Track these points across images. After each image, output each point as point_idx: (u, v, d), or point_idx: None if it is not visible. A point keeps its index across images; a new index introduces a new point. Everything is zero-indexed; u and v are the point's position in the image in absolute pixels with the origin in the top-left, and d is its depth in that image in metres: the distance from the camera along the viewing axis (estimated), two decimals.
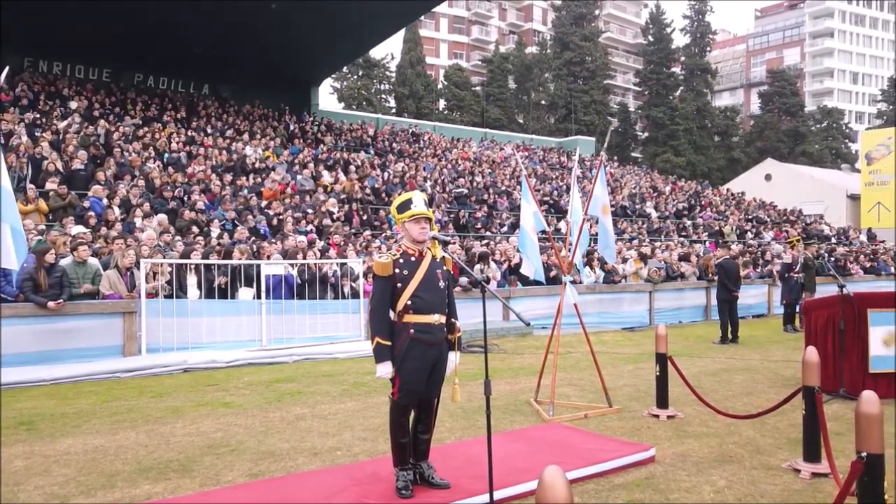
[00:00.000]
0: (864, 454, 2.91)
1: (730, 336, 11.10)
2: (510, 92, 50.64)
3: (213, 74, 22.47)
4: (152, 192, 13.00)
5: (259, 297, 9.32)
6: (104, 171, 12.86)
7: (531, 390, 6.60)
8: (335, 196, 15.71)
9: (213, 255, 9.60)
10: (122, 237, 9.52)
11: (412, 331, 3.80)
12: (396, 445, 3.88)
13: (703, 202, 27.06)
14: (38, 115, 15.62)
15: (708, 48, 55.65)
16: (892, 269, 19.62)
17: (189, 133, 17.79)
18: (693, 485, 4.14)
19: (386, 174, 19.18)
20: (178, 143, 16.48)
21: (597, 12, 55.01)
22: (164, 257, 9.29)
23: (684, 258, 15.88)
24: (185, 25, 18.10)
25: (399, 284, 3.83)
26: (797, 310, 12.23)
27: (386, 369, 3.77)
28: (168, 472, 4.36)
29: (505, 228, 17.49)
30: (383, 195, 17.18)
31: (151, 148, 15.55)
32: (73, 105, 16.90)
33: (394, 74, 46.78)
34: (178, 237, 10.81)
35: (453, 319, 3.98)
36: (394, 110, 45.05)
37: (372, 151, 22.16)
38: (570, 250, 6.79)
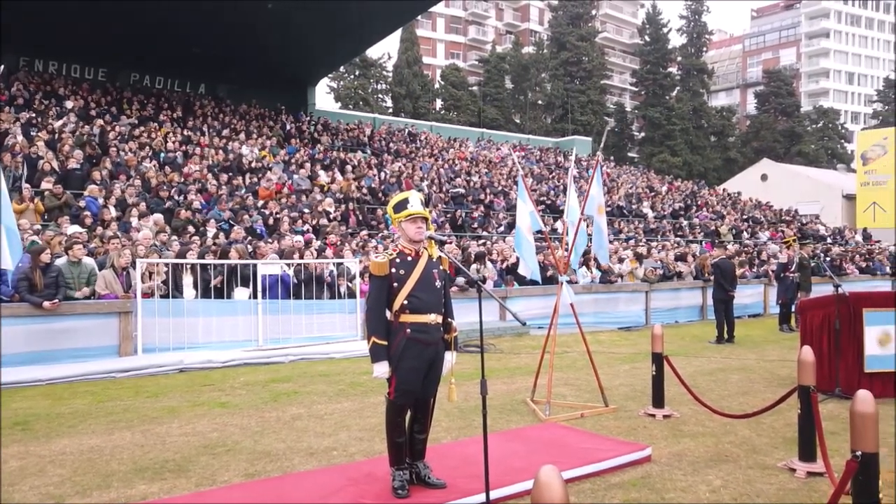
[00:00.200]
0: (858, 453, 2.93)
1: (726, 336, 11.12)
2: (507, 92, 50.63)
3: (209, 74, 22.42)
4: (148, 191, 12.98)
5: (255, 296, 9.30)
6: (100, 171, 12.84)
7: (527, 390, 6.61)
8: (332, 196, 15.69)
9: (210, 255, 9.60)
10: (118, 237, 9.50)
11: (409, 330, 3.80)
12: (393, 445, 3.88)
13: (699, 202, 27.11)
14: (33, 115, 15.59)
15: (704, 48, 55.70)
16: (888, 269, 19.67)
17: (185, 132, 17.75)
18: (689, 484, 4.16)
19: (382, 174, 19.19)
20: (174, 142, 16.45)
21: (593, 12, 55.03)
22: (161, 257, 9.26)
23: (680, 258, 15.92)
24: (181, 25, 18.05)
25: (395, 284, 3.83)
26: (793, 309, 12.27)
27: (382, 369, 3.77)
28: (164, 473, 4.35)
29: (501, 228, 17.49)
30: (380, 195, 17.16)
31: (147, 147, 15.51)
32: (69, 104, 16.84)
33: (390, 74, 46.70)
34: (174, 237, 10.79)
35: (450, 319, 3.98)
36: (390, 110, 44.99)
37: (368, 151, 22.14)
38: (566, 250, 6.80)
